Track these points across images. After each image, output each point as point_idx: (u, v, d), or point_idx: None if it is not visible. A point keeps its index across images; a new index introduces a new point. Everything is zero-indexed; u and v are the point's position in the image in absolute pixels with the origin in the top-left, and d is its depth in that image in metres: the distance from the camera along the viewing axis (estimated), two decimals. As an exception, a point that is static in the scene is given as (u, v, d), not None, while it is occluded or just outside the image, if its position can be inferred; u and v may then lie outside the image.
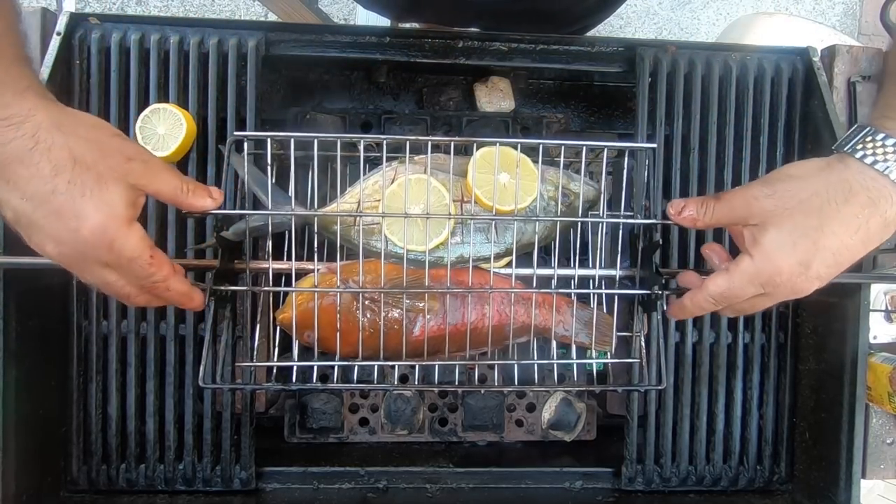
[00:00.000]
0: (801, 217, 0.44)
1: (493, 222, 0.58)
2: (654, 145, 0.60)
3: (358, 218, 0.56)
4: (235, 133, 0.58)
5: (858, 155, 0.43)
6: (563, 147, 0.60)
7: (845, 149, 0.44)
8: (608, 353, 0.62)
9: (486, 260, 0.59)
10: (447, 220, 0.56)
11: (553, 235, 0.62)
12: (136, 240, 0.43)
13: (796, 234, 0.44)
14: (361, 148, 0.58)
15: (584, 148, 0.59)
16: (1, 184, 0.39)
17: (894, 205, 0.43)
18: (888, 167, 0.42)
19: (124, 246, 0.42)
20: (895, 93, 0.45)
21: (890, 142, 0.43)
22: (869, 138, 0.43)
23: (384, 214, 0.55)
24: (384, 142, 0.55)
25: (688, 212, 0.50)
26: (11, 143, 0.38)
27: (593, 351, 0.64)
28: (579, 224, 0.63)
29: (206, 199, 0.48)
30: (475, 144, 0.57)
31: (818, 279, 0.45)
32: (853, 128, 0.45)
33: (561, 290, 0.60)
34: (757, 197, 0.46)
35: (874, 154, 0.43)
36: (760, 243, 0.45)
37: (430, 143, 0.55)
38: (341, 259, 0.57)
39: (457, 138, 0.56)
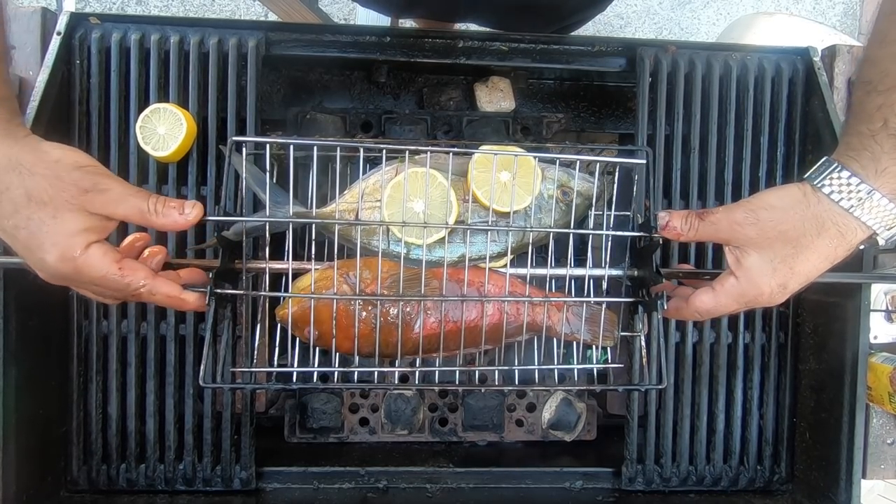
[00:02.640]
0: (780, 246, 0.48)
1: (493, 223, 0.58)
2: (644, 161, 0.61)
3: (357, 218, 0.56)
4: (235, 138, 0.58)
5: (826, 191, 0.47)
6: (559, 153, 0.61)
7: (815, 182, 0.48)
8: (609, 350, 0.62)
9: (490, 259, 0.59)
10: (447, 217, 0.56)
11: (555, 234, 0.62)
12: (96, 259, 0.45)
13: (776, 260, 0.49)
14: (361, 153, 0.58)
15: (578, 162, 0.60)
16: None
17: (858, 234, 0.48)
18: (852, 206, 0.47)
19: (88, 267, 0.45)
20: (856, 132, 0.48)
21: (854, 181, 0.46)
22: (835, 175, 0.47)
23: (383, 223, 0.55)
24: (384, 144, 0.55)
25: (672, 226, 0.52)
26: None
27: (599, 350, 0.63)
28: (578, 224, 0.63)
29: (175, 217, 0.48)
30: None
31: (790, 293, 0.51)
32: (822, 161, 0.49)
33: (572, 299, 0.60)
34: (741, 224, 0.49)
35: (840, 192, 0.47)
36: (745, 267, 0.50)
37: (429, 153, 0.55)
38: (342, 258, 0.57)
39: (455, 149, 0.56)
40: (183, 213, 0.48)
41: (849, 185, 0.46)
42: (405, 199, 0.55)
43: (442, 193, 0.56)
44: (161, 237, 0.63)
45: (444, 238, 0.57)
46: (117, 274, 0.46)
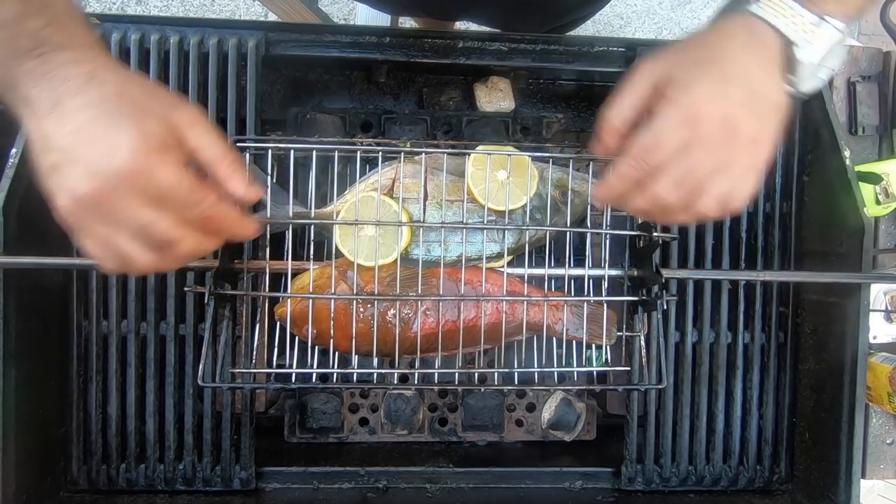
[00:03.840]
0: (695, 54, 0.44)
1: (491, 223, 0.58)
2: None
3: (355, 219, 0.56)
4: (236, 137, 0.58)
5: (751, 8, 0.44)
6: (558, 154, 0.61)
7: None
8: (608, 350, 0.62)
9: (489, 259, 0.59)
10: (398, 238, 0.56)
11: (554, 234, 0.62)
12: (172, 166, 0.40)
13: (700, 65, 0.43)
14: (358, 154, 0.58)
15: (572, 161, 0.60)
16: (51, 119, 0.39)
17: (768, 37, 0.44)
18: (761, 8, 0.44)
19: (164, 173, 0.39)
20: None
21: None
22: None
23: (382, 223, 0.55)
24: (381, 147, 0.55)
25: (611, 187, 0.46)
26: (71, 79, 0.39)
27: (605, 348, 0.63)
28: (576, 225, 0.63)
29: (237, 185, 0.43)
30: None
31: (746, 108, 0.43)
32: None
33: (571, 298, 0.61)
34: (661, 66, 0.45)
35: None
36: (672, 88, 0.43)
37: (425, 154, 0.56)
38: (340, 257, 0.58)
39: (450, 150, 0.56)
40: (246, 193, 0.44)
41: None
42: (356, 230, 0.56)
43: (394, 219, 0.57)
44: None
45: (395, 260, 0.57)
46: (189, 187, 0.40)
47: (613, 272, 0.61)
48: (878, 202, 0.70)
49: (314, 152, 0.57)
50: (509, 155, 0.58)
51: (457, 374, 0.63)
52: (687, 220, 0.46)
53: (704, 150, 0.43)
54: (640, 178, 0.44)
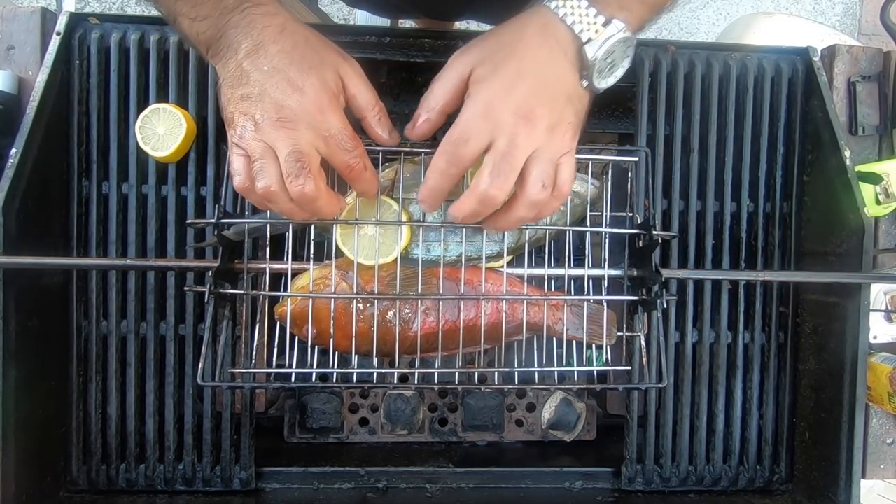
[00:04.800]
0: (495, 49, 0.48)
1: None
2: (636, 159, 0.61)
3: (354, 219, 0.56)
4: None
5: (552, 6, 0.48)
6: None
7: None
8: (608, 350, 0.62)
9: (489, 259, 0.59)
10: (398, 237, 0.57)
11: (554, 234, 0.62)
12: (341, 112, 0.49)
13: (497, 62, 0.47)
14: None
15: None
16: (251, 59, 0.47)
17: (560, 31, 0.47)
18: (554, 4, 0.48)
19: (335, 117, 0.48)
20: None
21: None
22: None
23: (381, 223, 0.55)
24: (381, 147, 0.55)
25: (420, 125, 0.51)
26: (269, 28, 0.47)
27: (605, 348, 0.63)
28: (569, 224, 0.63)
29: (383, 133, 0.53)
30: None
31: (538, 99, 0.47)
32: None
33: (570, 297, 0.60)
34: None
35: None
36: (473, 84, 0.48)
37: (424, 154, 0.56)
38: (340, 257, 0.58)
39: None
40: (390, 136, 0.53)
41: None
42: (356, 229, 0.56)
43: (394, 219, 0.57)
44: (161, 236, 0.63)
45: (395, 259, 0.57)
46: (351, 135, 0.49)
47: (613, 272, 0.61)
48: (878, 202, 0.70)
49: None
50: None
51: (457, 374, 0.63)
52: (528, 213, 0.50)
53: (508, 139, 0.46)
54: (455, 174, 0.48)
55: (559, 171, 0.49)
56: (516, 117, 0.46)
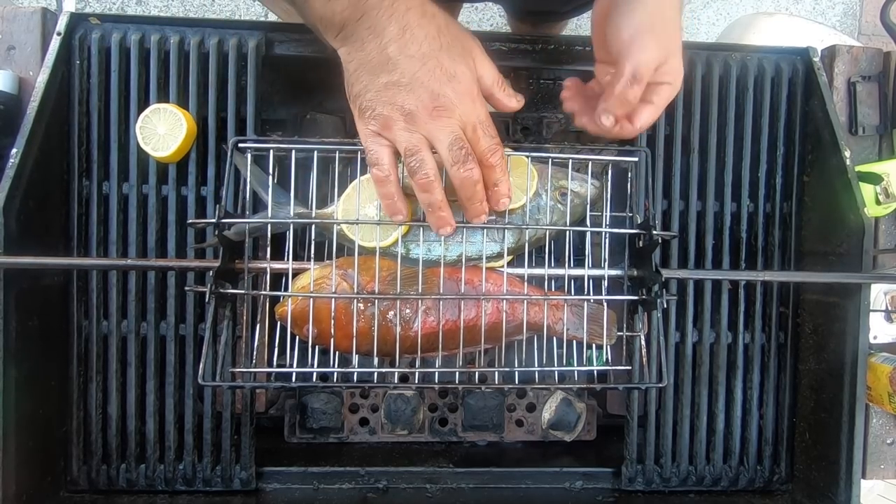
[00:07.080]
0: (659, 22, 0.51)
1: (492, 222, 0.58)
2: (636, 159, 0.61)
3: (355, 218, 0.56)
4: (236, 137, 0.58)
5: None
6: (558, 154, 0.61)
7: None
8: (609, 350, 0.62)
9: (489, 259, 0.59)
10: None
11: (554, 234, 0.62)
12: (485, 101, 0.50)
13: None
14: (359, 155, 0.58)
15: (570, 162, 0.60)
16: (398, 44, 0.46)
17: None
18: None
19: (482, 104, 0.49)
20: None
21: None
22: None
23: (381, 222, 0.55)
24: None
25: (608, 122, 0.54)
26: (411, 10, 0.46)
27: (605, 348, 0.63)
28: (569, 224, 0.63)
29: (512, 101, 0.53)
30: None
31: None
32: None
33: (570, 297, 0.61)
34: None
35: None
36: (672, 69, 0.53)
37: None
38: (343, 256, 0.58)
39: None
40: (517, 100, 0.54)
41: None
42: (357, 206, 0.57)
43: None
44: (161, 236, 0.63)
45: (396, 240, 0.58)
46: (491, 125, 0.49)
47: (613, 272, 0.61)
48: (878, 202, 0.70)
49: (315, 153, 0.57)
50: (508, 155, 0.58)
51: (457, 374, 0.63)
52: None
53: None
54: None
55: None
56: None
